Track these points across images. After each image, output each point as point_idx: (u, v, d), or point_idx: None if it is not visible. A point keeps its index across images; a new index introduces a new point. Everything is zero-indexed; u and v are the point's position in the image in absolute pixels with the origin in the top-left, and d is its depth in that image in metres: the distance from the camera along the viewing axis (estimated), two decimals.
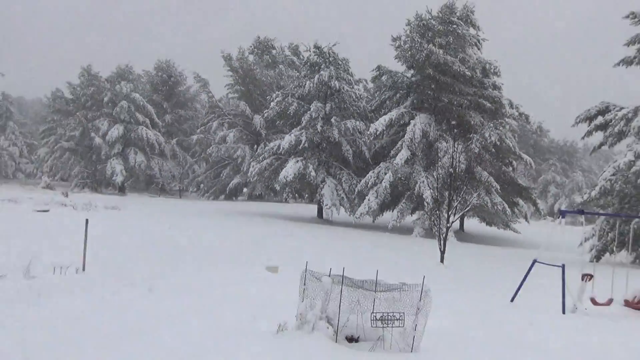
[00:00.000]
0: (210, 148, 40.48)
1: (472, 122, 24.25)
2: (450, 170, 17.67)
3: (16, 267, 9.12)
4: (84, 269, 9.84)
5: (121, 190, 43.28)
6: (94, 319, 6.25)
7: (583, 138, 22.82)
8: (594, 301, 10.00)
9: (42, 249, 11.50)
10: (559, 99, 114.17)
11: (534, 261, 10.83)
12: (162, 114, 49.25)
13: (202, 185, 45.67)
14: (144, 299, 7.73)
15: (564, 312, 9.61)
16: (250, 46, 44.95)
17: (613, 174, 19.88)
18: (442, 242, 16.32)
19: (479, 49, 25.52)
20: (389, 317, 5.88)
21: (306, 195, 33.99)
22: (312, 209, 31.32)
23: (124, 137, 42.70)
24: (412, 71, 25.77)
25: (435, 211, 17.72)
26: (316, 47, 27.41)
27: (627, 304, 10.37)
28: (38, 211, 20.17)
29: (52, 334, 5.55)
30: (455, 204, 17.20)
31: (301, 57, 38.09)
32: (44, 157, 53.76)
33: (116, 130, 42.30)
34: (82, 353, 5.06)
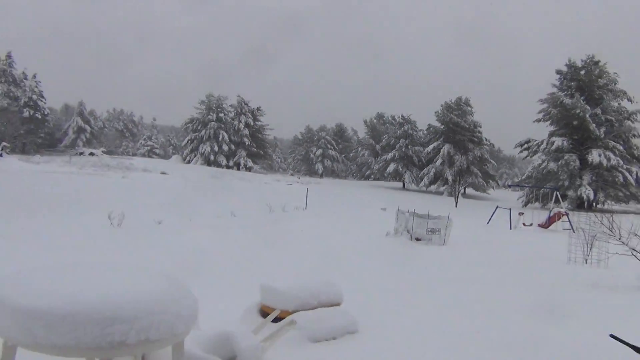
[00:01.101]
0: None
1: (469, 147, 53.60)
2: (460, 167, 47.96)
3: (279, 207, 17.85)
4: (305, 208, 20.26)
5: None
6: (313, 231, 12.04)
7: (519, 153, 51.45)
8: (524, 224, 20.70)
9: (290, 200, 21.69)
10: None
11: (497, 207, 23.31)
12: None
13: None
14: (331, 219, 17.90)
15: (510, 229, 19.70)
16: None
17: (532, 169, 48.23)
18: (456, 198, 43.91)
19: (472, 115, 54.38)
20: (434, 229, 11.59)
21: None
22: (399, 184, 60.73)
23: None
24: (442, 125, 55.30)
25: (453, 184, 47.60)
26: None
27: (539, 225, 21.27)
28: (288, 184, 51.36)
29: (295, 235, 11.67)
30: (461, 181, 47.02)
31: None
32: None
33: None
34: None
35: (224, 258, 7.60)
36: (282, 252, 8.50)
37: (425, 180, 52.29)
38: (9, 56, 71.11)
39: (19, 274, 2.44)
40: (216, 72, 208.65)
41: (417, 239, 11.75)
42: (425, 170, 53.21)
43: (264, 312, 4.28)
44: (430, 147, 53.18)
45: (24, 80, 70.61)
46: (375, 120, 76.39)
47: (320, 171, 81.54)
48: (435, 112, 54.02)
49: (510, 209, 21.78)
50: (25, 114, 66.57)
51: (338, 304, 4.45)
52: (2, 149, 46.33)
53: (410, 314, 5.02)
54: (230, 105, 74.30)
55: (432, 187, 52.72)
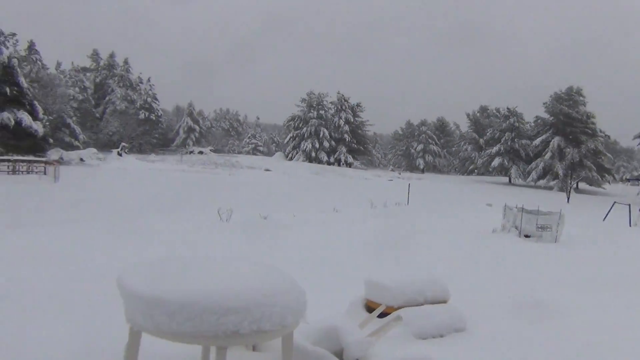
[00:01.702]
0: None
1: (581, 139, 50.31)
2: (571, 160, 45.27)
3: (381, 203, 17.46)
4: (408, 204, 20.66)
5: None
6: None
7: (639, 145, 47.70)
8: None
9: (391, 196, 21.85)
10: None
11: (614, 202, 21.19)
12: None
13: None
14: (434, 214, 17.85)
15: (630, 226, 17.71)
16: None
17: None
18: (568, 193, 41.04)
19: (585, 106, 51.03)
20: (544, 226, 11.04)
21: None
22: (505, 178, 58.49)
23: None
24: (551, 117, 52.33)
25: (564, 179, 45.10)
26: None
27: None
28: (389, 180, 50.81)
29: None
30: (573, 175, 44.42)
31: None
32: None
33: None
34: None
35: (327, 252, 7.68)
36: (383, 248, 8.45)
37: (533, 175, 49.91)
38: (126, 62, 76.47)
39: (142, 265, 2.62)
40: (317, 70, 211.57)
41: (526, 236, 11.26)
42: (532, 164, 50.79)
43: (369, 307, 4.27)
44: (538, 140, 50.72)
45: (140, 84, 75.57)
46: (478, 114, 74.00)
47: (421, 166, 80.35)
48: (544, 104, 51.45)
49: (629, 205, 20.32)
50: (141, 116, 71.19)
51: (445, 301, 4.35)
52: (121, 149, 49.86)
53: (522, 315, 4.80)
54: (331, 102, 75.05)
55: (541, 182, 50.26)
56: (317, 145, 70.38)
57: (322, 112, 72.69)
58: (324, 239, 8.80)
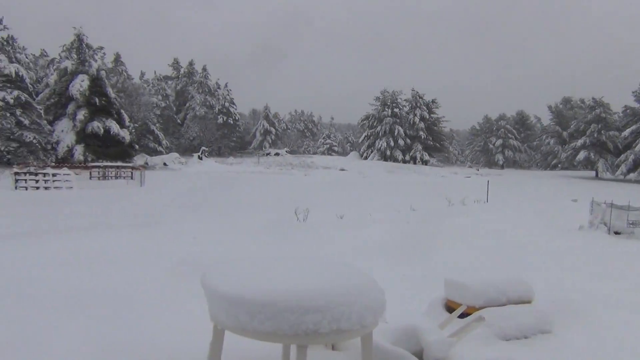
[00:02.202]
0: None
1: None
2: None
3: (458, 201, 16.63)
4: (487, 201, 18.85)
5: None
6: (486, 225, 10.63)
7: None
8: None
9: (470, 193, 21.02)
10: None
11: None
12: None
13: None
14: (514, 211, 15.77)
15: None
16: None
17: None
18: None
19: None
20: (636, 222, 10.35)
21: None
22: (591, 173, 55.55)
23: None
24: None
25: None
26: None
27: None
28: (466, 177, 49.64)
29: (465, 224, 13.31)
30: None
31: None
32: None
33: None
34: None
35: (403, 251, 7.60)
36: (461, 245, 8.26)
37: (623, 168, 47.17)
38: (204, 69, 79.06)
39: (224, 265, 2.70)
40: (390, 68, 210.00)
41: (617, 233, 10.62)
42: (622, 156, 48.02)
43: (449, 307, 4.19)
44: (628, 131, 47.86)
45: (217, 89, 77.90)
46: (561, 106, 70.81)
47: (500, 162, 77.90)
48: (633, 92, 48.41)
49: None
50: (220, 120, 73.40)
51: (529, 302, 4.19)
52: (201, 153, 51.62)
53: (615, 318, 4.54)
54: (405, 100, 74.23)
55: (631, 176, 47.43)
56: (392, 144, 69.83)
57: (396, 110, 72.03)
58: (399, 238, 8.71)
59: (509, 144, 78.61)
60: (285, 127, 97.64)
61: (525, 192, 29.04)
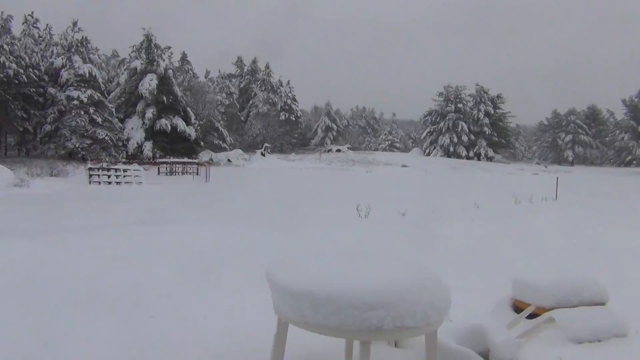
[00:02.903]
0: None
1: None
2: None
3: (525, 198, 15.69)
4: (556, 199, 17.82)
5: None
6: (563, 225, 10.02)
7: None
8: None
9: (537, 191, 19.51)
10: None
11: None
12: None
13: None
14: (586, 210, 15.54)
15: None
16: None
17: None
18: None
19: None
20: None
21: None
22: None
23: None
24: None
25: None
26: None
27: None
28: (534, 174, 48.00)
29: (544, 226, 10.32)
30: None
31: None
32: None
33: None
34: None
35: (468, 250, 7.44)
36: (530, 246, 7.99)
37: None
38: (267, 67, 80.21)
39: (289, 259, 2.73)
40: (453, 63, 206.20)
41: None
42: None
43: (517, 308, 4.06)
44: None
45: (280, 87, 78.83)
46: (636, 99, 67.30)
47: (570, 158, 75.04)
48: None
49: None
50: (282, 117, 74.26)
51: (602, 304, 4.00)
52: (264, 150, 52.41)
53: None
54: (469, 95, 72.70)
55: None
56: (455, 140, 68.60)
57: (460, 105, 70.71)
58: (463, 236, 8.53)
59: (579, 139, 75.60)
60: (346, 124, 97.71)
61: (597, 189, 27.78)
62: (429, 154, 69.65)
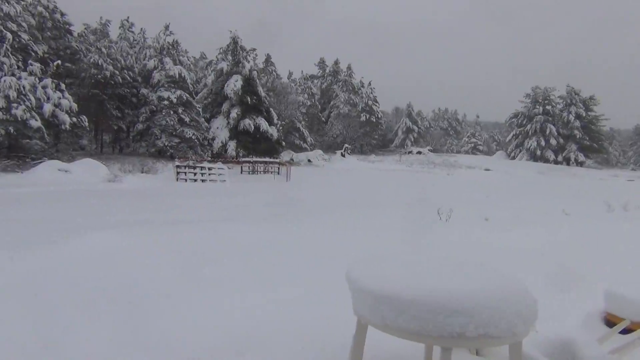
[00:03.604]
0: None
1: None
2: None
3: (619, 206, 14.52)
4: None
5: None
6: None
7: None
8: None
9: (633, 198, 17.19)
10: None
11: None
12: None
13: None
14: None
15: None
16: None
17: None
18: None
19: None
20: None
21: None
22: None
23: None
24: None
25: None
26: None
27: None
28: (629, 180, 44.88)
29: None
30: None
31: None
32: None
33: None
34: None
35: (554, 258, 7.11)
36: (623, 257, 7.52)
37: None
38: (349, 68, 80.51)
39: (369, 260, 2.72)
40: (541, 63, 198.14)
41: None
42: None
43: (610, 322, 3.83)
44: None
45: (361, 88, 78.87)
46: None
47: None
48: None
49: None
50: (362, 118, 74.25)
51: None
52: (344, 150, 52.59)
53: None
54: (559, 97, 69.58)
55: None
56: (542, 143, 65.86)
57: (548, 107, 67.78)
58: (548, 243, 8.16)
59: None
60: (428, 126, 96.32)
61: None
62: (514, 158, 67.27)
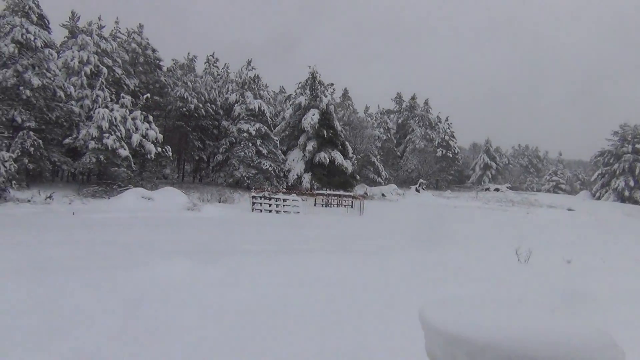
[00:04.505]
0: None
1: None
2: None
3: None
4: None
5: None
6: None
7: None
8: None
9: None
10: None
11: None
12: None
13: None
14: None
15: None
16: None
17: None
18: None
19: None
20: None
21: None
22: None
23: None
24: None
25: None
26: None
27: None
28: None
29: None
30: None
31: None
32: None
33: None
34: None
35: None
36: None
37: None
38: (426, 103, 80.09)
39: (445, 301, 2.63)
40: (629, 96, 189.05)
41: None
42: None
43: None
44: None
45: (438, 123, 78.13)
46: None
47: None
48: None
49: None
50: (439, 153, 73.31)
51: None
52: (419, 185, 51.94)
53: None
54: None
55: None
56: (631, 183, 62.24)
57: (638, 145, 64.20)
58: (633, 290, 7.62)
59: None
60: (507, 162, 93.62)
61: None
62: (599, 198, 63.93)
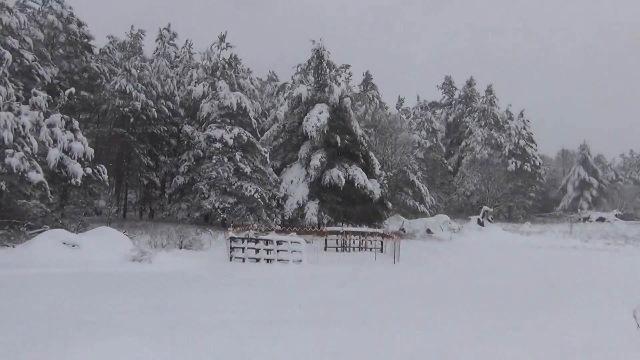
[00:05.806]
0: None
1: None
2: None
3: None
4: None
5: None
6: None
7: None
8: None
9: None
10: None
11: None
12: None
13: None
14: None
15: None
16: None
17: None
18: None
19: None
20: None
21: None
22: None
23: None
24: None
25: None
26: None
27: None
28: None
29: None
30: None
31: None
32: None
33: None
34: None
35: None
36: None
37: None
38: (489, 92, 79.47)
39: None
40: None
41: None
42: None
43: None
44: None
45: (508, 121, 77.51)
46: None
47: None
48: None
49: None
50: (511, 166, 72.72)
51: None
52: (483, 215, 51.39)
53: None
54: None
55: None
56: None
57: None
58: None
59: None
60: (614, 177, 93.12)
61: None
62: None
